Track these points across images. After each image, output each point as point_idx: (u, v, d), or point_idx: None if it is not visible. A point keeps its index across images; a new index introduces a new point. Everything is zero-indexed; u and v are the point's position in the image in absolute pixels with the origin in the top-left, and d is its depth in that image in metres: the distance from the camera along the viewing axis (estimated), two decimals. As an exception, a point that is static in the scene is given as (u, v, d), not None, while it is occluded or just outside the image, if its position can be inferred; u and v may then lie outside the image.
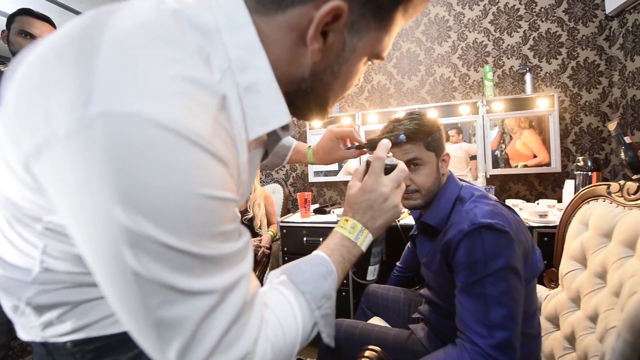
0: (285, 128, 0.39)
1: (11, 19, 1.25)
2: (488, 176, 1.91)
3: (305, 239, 1.66)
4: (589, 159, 1.44)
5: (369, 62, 0.40)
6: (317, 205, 1.98)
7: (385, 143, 0.46)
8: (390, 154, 0.47)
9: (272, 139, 0.42)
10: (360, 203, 0.43)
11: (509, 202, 1.74)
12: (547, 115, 1.82)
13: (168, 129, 0.23)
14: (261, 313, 0.32)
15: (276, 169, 2.44)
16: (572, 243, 0.95)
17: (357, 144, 0.74)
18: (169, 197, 0.23)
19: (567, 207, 1.02)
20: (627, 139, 1.25)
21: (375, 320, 1.18)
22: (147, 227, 0.23)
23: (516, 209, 1.60)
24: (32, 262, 0.32)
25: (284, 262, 1.72)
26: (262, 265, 1.71)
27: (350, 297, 1.63)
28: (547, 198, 1.90)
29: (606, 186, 0.90)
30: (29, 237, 0.31)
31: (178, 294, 0.25)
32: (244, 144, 0.32)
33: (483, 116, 1.90)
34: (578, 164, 1.49)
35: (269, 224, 1.89)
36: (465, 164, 1.98)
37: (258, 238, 1.73)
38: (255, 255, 1.71)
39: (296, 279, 0.37)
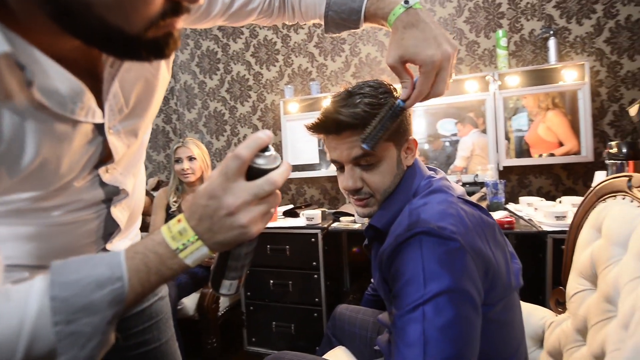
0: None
1: None
2: (501, 168, 1.77)
3: (268, 247, 1.58)
4: (623, 144, 1.29)
5: None
6: (290, 206, 1.89)
7: (259, 137, 0.37)
8: (271, 151, 0.38)
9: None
10: (199, 206, 0.37)
11: (527, 200, 1.60)
12: (575, 90, 1.66)
13: None
14: None
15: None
16: (581, 254, 0.82)
17: None
18: None
19: (579, 207, 0.89)
20: None
21: (339, 352, 1.09)
22: None
23: (530, 210, 1.47)
24: None
25: (245, 277, 1.64)
26: (219, 279, 1.63)
27: (324, 319, 1.54)
28: (577, 194, 1.74)
29: (627, 178, 0.77)
30: None
31: None
32: None
33: (494, 93, 1.76)
34: (611, 150, 1.34)
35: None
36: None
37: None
38: (208, 268, 1.63)
39: (58, 277, 0.33)
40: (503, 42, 1.77)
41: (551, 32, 1.71)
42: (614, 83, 1.71)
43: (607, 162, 1.36)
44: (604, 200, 0.82)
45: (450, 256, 0.55)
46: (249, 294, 1.66)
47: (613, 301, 0.68)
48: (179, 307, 1.52)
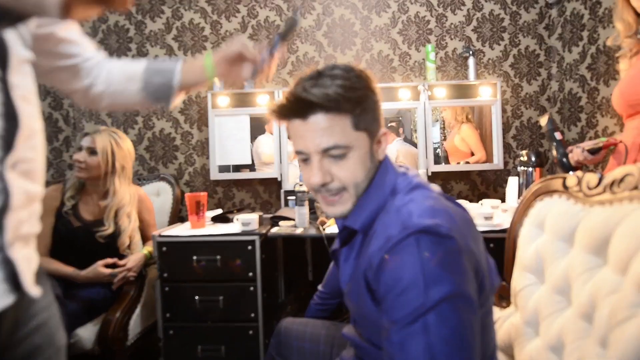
0: None
1: None
2: (429, 173, 1.89)
3: (195, 258, 1.36)
4: (532, 153, 1.49)
5: None
6: (219, 211, 1.69)
7: None
8: None
9: None
10: None
11: (451, 203, 1.73)
12: (489, 105, 1.88)
13: None
14: None
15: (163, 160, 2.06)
16: (525, 251, 0.88)
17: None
18: None
19: (518, 206, 0.96)
20: (558, 135, 1.30)
21: (286, 371, 0.97)
22: None
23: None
24: None
25: (163, 294, 1.39)
26: (128, 301, 1.34)
27: (260, 337, 1.39)
28: (489, 198, 1.96)
29: (562, 179, 0.85)
30: None
31: None
32: None
33: (425, 102, 1.87)
34: (521, 158, 1.53)
35: (145, 240, 1.52)
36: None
37: (121, 261, 1.35)
38: (111, 284, 1.33)
39: None
40: (432, 56, 1.91)
41: (470, 53, 1.91)
42: (516, 102, 1.99)
43: (519, 168, 1.55)
44: (541, 199, 0.90)
45: (450, 257, 0.50)
46: (167, 315, 1.40)
47: (564, 293, 0.73)
48: (72, 340, 1.20)
